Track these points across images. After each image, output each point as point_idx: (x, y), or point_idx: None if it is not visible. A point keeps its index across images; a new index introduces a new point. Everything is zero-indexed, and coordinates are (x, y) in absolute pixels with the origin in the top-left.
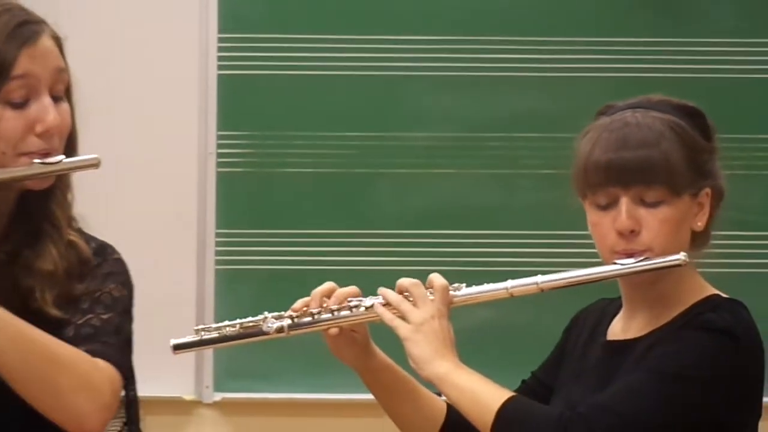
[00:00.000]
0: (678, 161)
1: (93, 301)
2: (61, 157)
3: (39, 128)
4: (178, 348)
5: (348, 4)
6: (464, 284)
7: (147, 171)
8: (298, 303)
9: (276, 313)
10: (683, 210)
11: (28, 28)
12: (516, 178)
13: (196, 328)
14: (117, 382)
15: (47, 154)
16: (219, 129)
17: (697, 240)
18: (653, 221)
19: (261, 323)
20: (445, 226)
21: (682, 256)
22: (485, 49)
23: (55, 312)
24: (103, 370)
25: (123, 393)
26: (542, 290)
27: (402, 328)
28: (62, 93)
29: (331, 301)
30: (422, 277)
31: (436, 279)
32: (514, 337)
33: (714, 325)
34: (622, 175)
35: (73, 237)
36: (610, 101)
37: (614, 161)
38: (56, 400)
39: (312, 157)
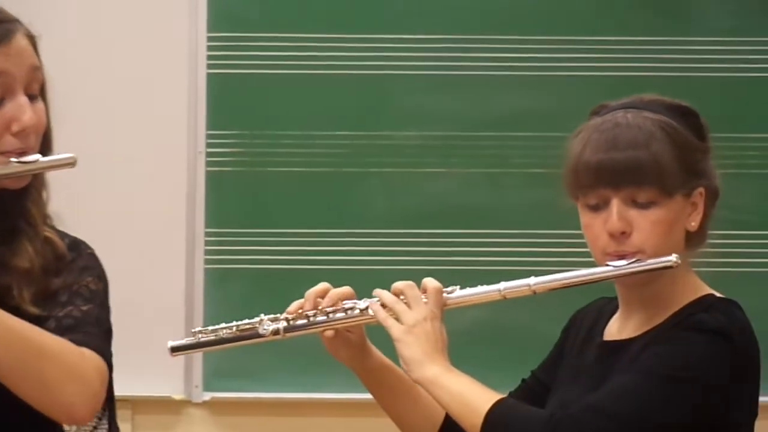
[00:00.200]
0: (669, 162)
1: (71, 293)
2: (38, 156)
3: (15, 127)
4: (175, 350)
5: (337, 4)
6: (458, 286)
7: (136, 170)
8: (293, 306)
9: (272, 315)
10: (675, 210)
11: (1, 27)
12: (507, 177)
13: (193, 330)
14: (104, 371)
15: (23, 153)
16: (208, 128)
17: (693, 240)
18: (644, 222)
19: (257, 326)
20: (436, 226)
21: (673, 257)
22: (476, 48)
23: (33, 309)
24: (90, 358)
25: None
26: (535, 292)
27: (394, 329)
28: (37, 92)
29: (325, 302)
30: (412, 275)
31: (430, 282)
32: (509, 336)
33: (706, 325)
34: (613, 176)
35: (49, 233)
36: (601, 100)
37: (604, 162)
38: (45, 391)
39: (302, 156)
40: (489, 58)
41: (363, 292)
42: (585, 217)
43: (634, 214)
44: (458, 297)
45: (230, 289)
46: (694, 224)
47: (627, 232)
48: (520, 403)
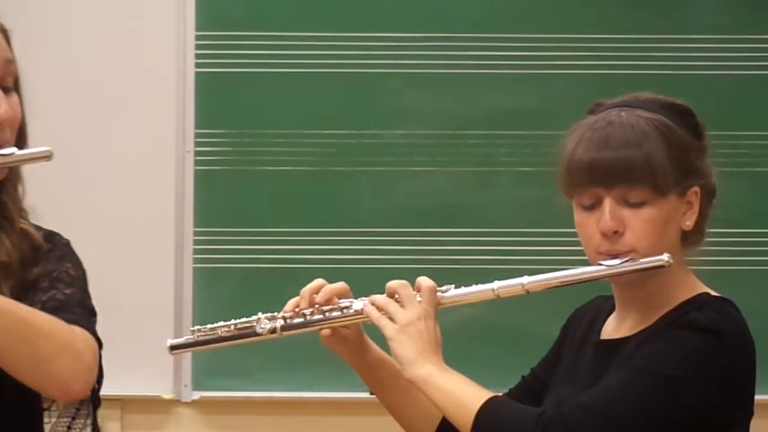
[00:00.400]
0: (661, 161)
1: (52, 279)
2: (13, 149)
3: None
4: (174, 348)
5: (326, 2)
6: (452, 285)
7: (124, 169)
8: (290, 304)
9: (269, 314)
10: (669, 210)
11: None
12: (497, 175)
13: (191, 328)
14: (95, 347)
15: None
16: (197, 127)
17: (689, 239)
18: (637, 222)
19: (255, 324)
20: (425, 224)
21: (665, 257)
22: (465, 46)
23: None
24: (80, 334)
25: None
26: (528, 292)
27: (388, 328)
28: (11, 84)
29: (319, 297)
30: (401, 275)
31: (424, 281)
32: (501, 335)
33: (698, 324)
34: (604, 175)
35: (25, 225)
36: (592, 98)
37: (596, 161)
38: (39, 367)
39: (291, 155)
40: (478, 56)
41: (353, 292)
42: (579, 216)
43: (626, 213)
44: (452, 296)
45: (219, 288)
46: (689, 223)
47: (620, 232)
48: (512, 402)
